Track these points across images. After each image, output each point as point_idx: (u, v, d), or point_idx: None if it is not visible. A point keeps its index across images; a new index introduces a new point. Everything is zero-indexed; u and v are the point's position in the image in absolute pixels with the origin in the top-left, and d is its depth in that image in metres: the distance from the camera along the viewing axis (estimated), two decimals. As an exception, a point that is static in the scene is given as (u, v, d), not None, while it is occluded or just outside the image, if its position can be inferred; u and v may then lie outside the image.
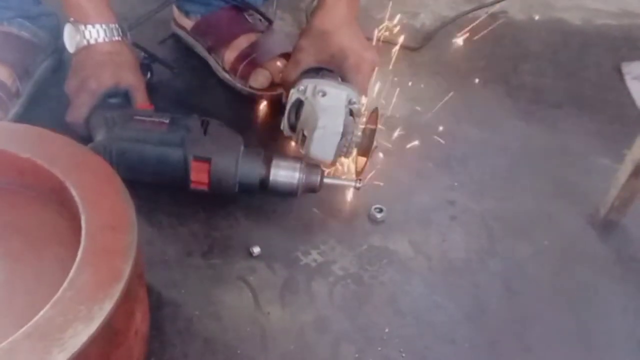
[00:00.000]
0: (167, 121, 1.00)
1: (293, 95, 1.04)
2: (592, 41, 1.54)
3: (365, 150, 1.04)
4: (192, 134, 0.98)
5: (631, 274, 1.00)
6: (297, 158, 1.00)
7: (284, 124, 1.06)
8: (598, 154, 1.20)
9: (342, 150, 1.01)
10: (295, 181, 0.99)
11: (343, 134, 0.99)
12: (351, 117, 1.01)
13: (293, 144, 1.10)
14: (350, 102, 1.01)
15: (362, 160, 1.05)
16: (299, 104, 1.03)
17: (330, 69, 1.07)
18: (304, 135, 1.02)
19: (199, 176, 0.97)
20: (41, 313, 0.64)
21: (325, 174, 1.01)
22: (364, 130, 1.03)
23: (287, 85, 1.08)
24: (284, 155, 1.01)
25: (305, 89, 1.02)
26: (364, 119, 1.06)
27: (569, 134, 1.26)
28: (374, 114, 1.05)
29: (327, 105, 1.00)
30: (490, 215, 1.07)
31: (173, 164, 0.97)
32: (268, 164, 0.99)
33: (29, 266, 0.76)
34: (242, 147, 0.99)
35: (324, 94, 1.01)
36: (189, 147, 0.97)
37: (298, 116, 1.04)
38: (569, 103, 1.34)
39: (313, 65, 1.07)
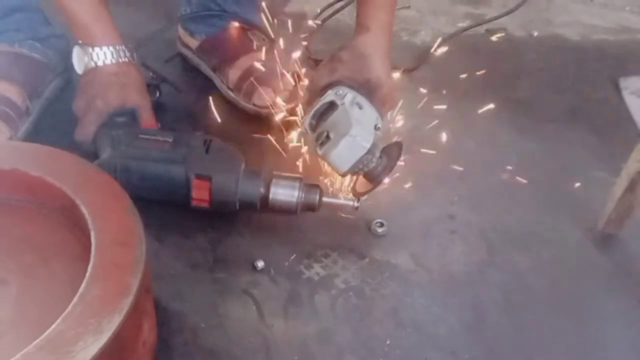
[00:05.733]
0: (170, 140, 1.03)
1: (329, 96, 1.03)
2: (590, 57, 1.56)
3: (376, 178, 1.03)
4: (194, 153, 1.01)
5: (628, 286, 1.01)
6: (297, 177, 1.02)
7: (307, 120, 1.05)
8: (596, 167, 1.22)
9: (358, 166, 1.01)
10: (294, 200, 1.01)
11: (369, 151, 1.00)
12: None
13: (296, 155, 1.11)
14: (375, 127, 1.02)
15: (366, 183, 1.05)
16: (330, 106, 1.03)
17: (359, 91, 1.05)
18: (327, 137, 1.01)
19: (200, 194, 1.00)
20: (52, 327, 0.66)
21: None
22: (381, 158, 1.02)
23: (314, 88, 1.08)
24: (284, 174, 1.03)
25: (345, 94, 1.02)
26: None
27: (567, 148, 1.28)
28: (397, 149, 1.04)
29: (361, 119, 1.00)
30: (489, 229, 1.09)
31: (175, 182, 1.00)
32: (268, 183, 1.01)
33: (40, 281, 0.78)
34: (242, 166, 1.01)
35: (360, 107, 1.01)
36: (190, 166, 1.00)
37: (323, 117, 1.04)
38: (567, 118, 1.36)
39: (346, 79, 1.06)
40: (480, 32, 1.61)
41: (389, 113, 1.15)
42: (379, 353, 0.90)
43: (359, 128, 0.99)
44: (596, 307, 0.99)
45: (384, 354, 0.90)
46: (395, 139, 1.09)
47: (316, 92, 1.07)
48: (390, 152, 1.04)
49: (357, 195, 1.05)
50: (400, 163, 1.05)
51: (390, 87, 1.09)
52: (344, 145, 0.99)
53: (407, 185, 1.14)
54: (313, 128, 1.05)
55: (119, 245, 0.75)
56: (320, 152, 1.02)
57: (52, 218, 0.84)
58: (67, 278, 0.76)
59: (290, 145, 1.18)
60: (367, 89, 1.05)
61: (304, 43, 1.37)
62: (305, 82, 1.21)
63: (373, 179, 1.03)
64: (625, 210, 1.04)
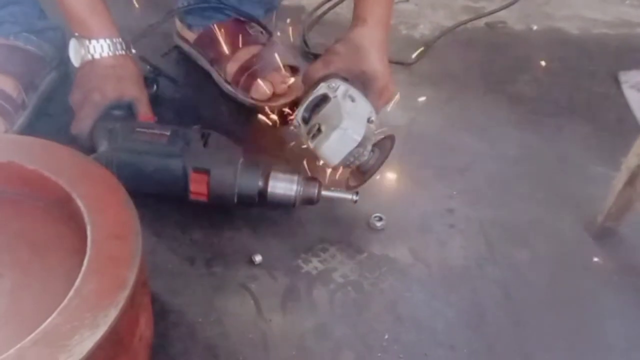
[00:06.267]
0: (168, 133, 1.02)
1: (321, 88, 1.03)
2: (590, 50, 1.56)
3: (368, 171, 1.04)
4: (192, 146, 1.00)
5: (628, 281, 1.01)
6: (295, 170, 1.02)
7: (300, 112, 1.05)
8: (596, 162, 1.22)
9: (349, 159, 1.01)
10: (292, 193, 1.00)
11: (360, 144, 1.00)
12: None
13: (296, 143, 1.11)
14: (369, 120, 1.02)
15: (359, 176, 1.06)
16: (323, 98, 1.03)
17: (355, 84, 1.05)
18: (319, 130, 1.01)
19: (198, 187, 0.99)
20: (48, 320, 0.65)
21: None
22: (373, 151, 1.03)
23: (309, 80, 1.08)
24: (282, 167, 1.03)
25: (337, 87, 1.02)
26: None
27: (566, 142, 1.27)
28: (389, 142, 1.04)
29: (353, 112, 1.00)
30: (488, 223, 1.08)
31: (173, 175, 0.99)
32: (266, 176, 1.00)
33: (36, 274, 0.77)
34: (241, 159, 1.00)
35: (353, 100, 1.01)
36: (188, 159, 0.99)
37: (316, 110, 1.03)
38: (567, 112, 1.35)
39: (342, 71, 1.06)
40: (479, 25, 1.61)
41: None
42: (378, 348, 0.89)
43: (351, 121, 0.99)
44: (595, 301, 0.98)
45: (382, 348, 0.89)
46: (388, 133, 1.08)
47: (311, 85, 1.06)
48: (383, 145, 1.04)
49: (349, 188, 1.05)
50: (399, 157, 1.05)
51: (386, 80, 1.08)
52: (334, 138, 0.99)
53: (405, 180, 1.14)
54: (306, 121, 1.04)
55: (115, 239, 0.74)
56: (311, 145, 1.03)
57: (48, 211, 0.83)
58: (63, 272, 0.76)
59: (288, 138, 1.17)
60: (362, 82, 1.05)
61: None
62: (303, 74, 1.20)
63: (365, 172, 1.03)
64: (625, 204, 1.04)
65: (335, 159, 1.01)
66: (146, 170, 1.00)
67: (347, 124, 0.99)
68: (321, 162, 1.07)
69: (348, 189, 1.05)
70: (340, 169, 1.09)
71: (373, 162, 1.03)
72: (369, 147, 1.02)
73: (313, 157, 1.12)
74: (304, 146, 1.07)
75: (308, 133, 1.03)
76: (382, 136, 1.06)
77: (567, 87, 1.43)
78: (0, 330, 0.71)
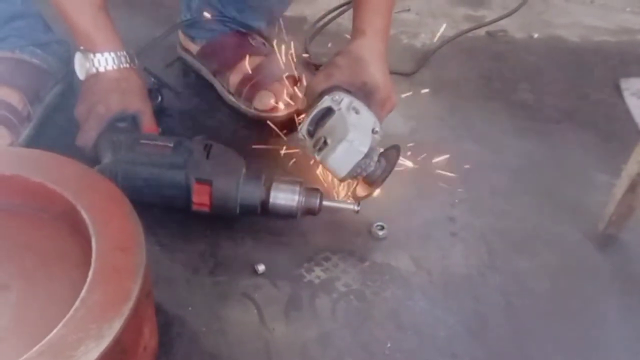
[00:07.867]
0: (171, 144, 1.03)
1: (325, 101, 1.04)
2: (591, 58, 1.56)
3: (375, 181, 1.04)
4: (194, 157, 1.01)
5: (629, 288, 1.01)
6: (297, 181, 1.03)
7: (305, 126, 1.06)
8: (597, 169, 1.22)
9: (356, 171, 1.01)
10: (294, 204, 1.01)
11: (366, 155, 1.00)
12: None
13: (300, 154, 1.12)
14: (373, 131, 1.03)
15: (366, 187, 1.06)
16: (327, 111, 1.04)
17: (357, 95, 1.06)
18: (325, 143, 1.02)
19: (200, 198, 1.00)
20: (54, 332, 0.66)
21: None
22: (379, 162, 1.04)
23: (312, 94, 1.09)
24: (284, 178, 1.04)
25: (341, 100, 1.03)
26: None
27: (568, 149, 1.28)
28: (395, 152, 1.05)
29: (358, 124, 1.01)
30: (490, 231, 1.09)
31: (176, 186, 1.00)
32: (268, 187, 1.01)
33: (41, 286, 0.78)
34: (243, 170, 1.02)
35: (357, 112, 1.02)
36: (191, 170, 1.00)
37: (321, 123, 1.04)
38: (568, 119, 1.36)
39: (343, 84, 1.06)
40: (480, 34, 1.62)
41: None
42: (380, 356, 0.90)
43: (356, 133, 1.00)
44: (597, 309, 0.99)
45: (384, 357, 0.90)
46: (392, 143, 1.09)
47: (313, 98, 1.07)
48: (389, 155, 1.05)
49: (357, 199, 1.06)
50: (400, 166, 1.05)
51: (388, 90, 1.09)
52: (341, 150, 1.00)
53: (407, 188, 1.14)
54: (311, 134, 1.05)
55: (119, 251, 0.75)
56: (318, 158, 1.03)
57: (53, 223, 0.84)
58: (68, 283, 0.77)
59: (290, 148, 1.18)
60: (364, 93, 1.06)
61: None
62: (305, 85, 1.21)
63: (372, 182, 1.04)
64: (626, 211, 1.04)
65: (343, 171, 1.02)
66: (150, 181, 1.01)
67: (353, 136, 1.00)
68: (329, 175, 1.08)
69: (355, 200, 1.06)
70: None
71: (380, 173, 1.03)
72: (375, 158, 1.02)
73: (316, 168, 1.13)
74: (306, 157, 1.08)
75: (314, 146, 1.04)
76: (388, 147, 1.07)
77: (568, 94, 1.43)
78: (6, 341, 0.72)
